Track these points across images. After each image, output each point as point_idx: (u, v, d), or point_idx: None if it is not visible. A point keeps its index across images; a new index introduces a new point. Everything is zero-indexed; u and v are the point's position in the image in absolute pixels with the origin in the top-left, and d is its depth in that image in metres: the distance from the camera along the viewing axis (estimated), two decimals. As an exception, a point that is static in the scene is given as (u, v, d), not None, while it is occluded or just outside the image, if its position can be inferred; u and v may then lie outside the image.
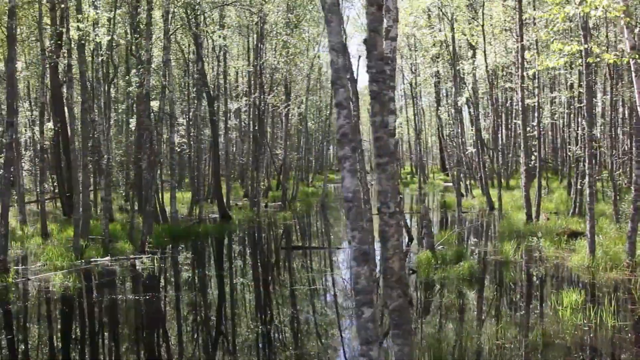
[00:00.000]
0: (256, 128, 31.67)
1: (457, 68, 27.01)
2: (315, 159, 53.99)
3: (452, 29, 25.11)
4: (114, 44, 22.18)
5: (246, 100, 33.95)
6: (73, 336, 10.83)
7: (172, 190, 23.69)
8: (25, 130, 36.02)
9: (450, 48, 25.44)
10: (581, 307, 10.70)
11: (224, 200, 28.72)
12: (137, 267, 16.36)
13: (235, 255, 20.10)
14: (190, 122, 30.32)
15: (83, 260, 16.48)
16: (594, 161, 15.65)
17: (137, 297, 13.14)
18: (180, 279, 15.75)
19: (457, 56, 26.71)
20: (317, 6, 38.91)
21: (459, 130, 30.20)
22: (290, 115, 40.64)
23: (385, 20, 6.57)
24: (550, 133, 44.58)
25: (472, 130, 35.71)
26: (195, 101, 29.40)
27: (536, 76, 23.57)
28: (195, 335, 10.85)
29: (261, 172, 33.58)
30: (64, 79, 24.08)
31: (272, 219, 28.04)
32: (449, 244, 17.36)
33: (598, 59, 10.95)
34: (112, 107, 28.54)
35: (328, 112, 73.15)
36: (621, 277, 13.18)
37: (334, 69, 4.45)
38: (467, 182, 35.13)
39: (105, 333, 11.15)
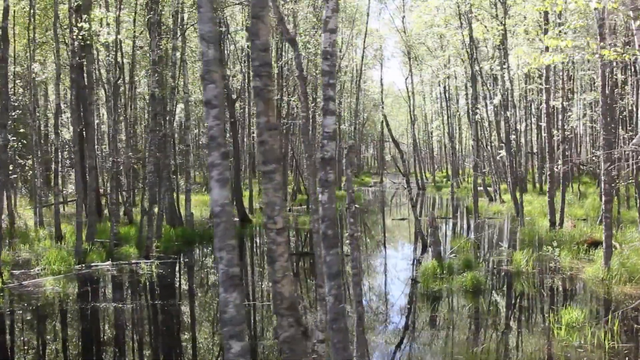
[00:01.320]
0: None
1: (476, 69, 26.04)
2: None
3: (470, 27, 24.17)
4: (136, 45, 21.99)
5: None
6: (41, 345, 10.42)
7: (186, 193, 23.36)
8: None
9: (469, 48, 24.47)
10: (580, 326, 9.77)
11: (245, 203, 28.33)
12: (136, 273, 15.91)
13: (244, 260, 19.55)
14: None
15: (83, 265, 16.13)
16: (615, 165, 14.61)
17: (121, 305, 12.67)
18: (174, 286, 15.26)
19: (475, 56, 25.64)
20: (348, 6, 38.33)
21: (476, 133, 29.13)
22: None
23: (324, 12, 5.93)
24: (589, 137, 43.03)
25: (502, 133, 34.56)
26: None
27: (562, 76, 22.49)
28: (166, 347, 10.33)
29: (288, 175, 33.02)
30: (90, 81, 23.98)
31: (294, 223, 27.39)
32: (463, 252, 16.52)
33: (597, 55, 10.10)
34: (129, 107, 28.48)
35: (366, 114, 72.70)
36: (635, 291, 12.15)
37: (204, 61, 3.83)
38: (497, 187, 33.94)
39: (78, 341, 10.71)
